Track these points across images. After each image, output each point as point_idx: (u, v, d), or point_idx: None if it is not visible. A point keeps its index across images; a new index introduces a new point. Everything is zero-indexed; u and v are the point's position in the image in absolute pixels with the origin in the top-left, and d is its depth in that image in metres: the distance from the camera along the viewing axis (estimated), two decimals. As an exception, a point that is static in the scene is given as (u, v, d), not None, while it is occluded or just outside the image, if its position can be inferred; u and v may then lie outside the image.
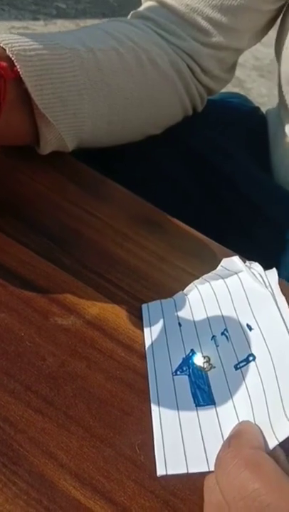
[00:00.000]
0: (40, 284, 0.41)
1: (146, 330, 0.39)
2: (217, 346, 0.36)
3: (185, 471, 0.30)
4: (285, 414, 0.28)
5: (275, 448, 0.28)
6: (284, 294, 0.35)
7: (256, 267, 0.38)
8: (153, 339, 0.39)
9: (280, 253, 0.57)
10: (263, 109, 0.77)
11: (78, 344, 0.38)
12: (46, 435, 0.33)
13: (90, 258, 0.44)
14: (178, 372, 0.36)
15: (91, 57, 0.46)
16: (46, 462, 0.32)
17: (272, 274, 0.37)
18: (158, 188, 0.56)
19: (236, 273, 0.39)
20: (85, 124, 0.47)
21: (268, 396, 0.30)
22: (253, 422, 0.30)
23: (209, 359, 0.36)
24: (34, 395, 0.35)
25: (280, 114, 0.67)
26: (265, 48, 1.95)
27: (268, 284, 0.36)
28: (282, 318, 0.33)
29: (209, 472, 0.30)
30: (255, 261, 0.39)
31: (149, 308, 0.41)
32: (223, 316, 0.37)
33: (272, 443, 0.28)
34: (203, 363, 0.36)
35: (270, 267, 0.38)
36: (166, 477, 0.31)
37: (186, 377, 0.35)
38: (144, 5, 0.59)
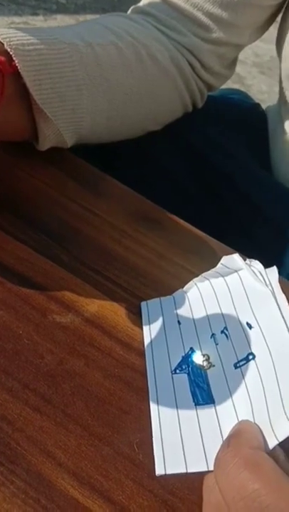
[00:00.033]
0: (38, 281, 0.40)
1: (145, 328, 0.39)
2: (217, 345, 0.36)
3: (184, 471, 0.30)
4: (285, 414, 0.28)
5: (274, 448, 0.28)
6: (284, 292, 0.34)
7: (256, 264, 0.38)
8: (152, 337, 0.38)
9: (280, 253, 0.57)
10: (263, 106, 0.77)
11: (76, 342, 0.37)
12: (44, 433, 0.33)
13: (88, 255, 0.43)
14: (177, 371, 0.36)
15: (90, 52, 0.46)
16: (44, 461, 0.32)
17: (273, 272, 0.37)
18: (157, 185, 0.56)
19: (236, 271, 0.39)
20: (84, 119, 0.47)
21: (268, 395, 0.30)
22: (252, 421, 0.30)
23: (209, 357, 0.35)
24: (32, 393, 0.34)
25: (280, 111, 0.67)
26: (265, 44, 1.95)
27: (268, 282, 0.36)
28: (283, 316, 0.33)
29: (208, 472, 0.30)
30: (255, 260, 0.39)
31: (148, 306, 0.40)
32: (222, 314, 0.37)
33: (272, 442, 0.27)
34: (203, 361, 0.35)
35: (270, 266, 0.38)
36: (165, 476, 0.31)
37: (186, 375, 0.35)
38: (144, 0, 0.58)
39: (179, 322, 0.39)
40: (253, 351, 0.33)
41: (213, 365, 0.35)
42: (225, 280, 0.39)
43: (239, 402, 0.32)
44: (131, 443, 0.33)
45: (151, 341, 0.38)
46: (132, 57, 0.50)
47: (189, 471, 0.30)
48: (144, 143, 0.57)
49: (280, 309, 0.33)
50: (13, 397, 0.34)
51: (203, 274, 0.41)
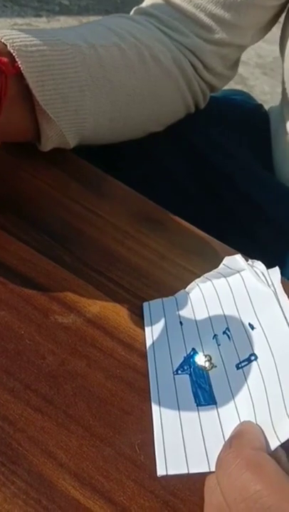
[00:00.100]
0: (40, 281, 0.40)
1: (147, 328, 0.39)
2: (219, 345, 0.36)
3: (186, 472, 0.30)
4: (287, 415, 0.28)
5: (276, 449, 0.28)
6: (287, 293, 0.34)
7: (259, 265, 0.38)
8: (154, 338, 0.38)
9: (282, 253, 0.56)
10: (266, 107, 0.77)
11: (78, 343, 0.37)
12: (45, 434, 0.33)
13: (90, 256, 0.43)
14: (179, 372, 0.35)
15: (93, 53, 0.46)
16: (45, 461, 0.32)
17: (275, 272, 0.37)
18: (159, 186, 0.56)
19: (238, 271, 0.39)
20: (87, 120, 0.47)
21: (270, 396, 0.30)
22: (254, 422, 0.30)
23: (211, 358, 0.35)
24: (34, 393, 0.34)
25: (283, 112, 0.67)
26: (268, 45, 1.95)
27: (270, 282, 0.36)
28: (285, 317, 0.32)
29: (210, 472, 0.30)
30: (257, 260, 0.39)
31: (150, 307, 0.40)
32: (225, 315, 0.37)
33: (274, 443, 0.27)
34: (205, 362, 0.35)
35: (272, 267, 0.38)
36: (166, 477, 0.31)
37: (187, 376, 0.35)
38: (147, 1, 0.58)
39: (181, 323, 0.39)
40: (255, 352, 0.33)
41: (215, 366, 0.35)
42: (227, 281, 0.39)
43: (241, 403, 0.32)
44: (132, 444, 0.33)
45: (153, 342, 0.38)
46: (134, 58, 0.50)
47: (191, 471, 0.30)
48: (146, 144, 0.57)
49: (282, 310, 0.33)
50: (14, 397, 0.34)
51: (205, 275, 0.41)
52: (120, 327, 0.39)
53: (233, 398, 0.32)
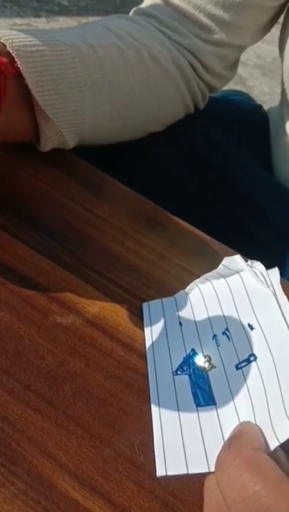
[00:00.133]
0: (40, 282, 0.40)
1: (146, 329, 0.39)
2: (218, 346, 0.36)
3: (185, 472, 0.30)
4: (286, 415, 0.28)
5: (276, 449, 0.28)
6: (286, 293, 0.34)
7: (258, 266, 0.38)
8: (153, 338, 0.38)
9: (282, 253, 0.56)
10: (265, 107, 0.77)
11: (78, 343, 0.37)
12: (45, 435, 0.33)
13: (90, 256, 0.43)
14: (178, 372, 0.35)
15: (92, 53, 0.46)
16: (45, 462, 0.32)
17: (274, 273, 0.37)
18: (159, 186, 0.56)
19: (238, 272, 0.39)
20: (86, 121, 0.47)
21: (269, 396, 0.30)
22: (253, 422, 0.30)
23: (210, 359, 0.35)
24: (33, 394, 0.34)
25: (282, 112, 0.67)
26: (267, 45, 1.95)
27: (269, 283, 0.36)
28: (284, 317, 0.32)
29: (209, 473, 0.30)
30: (256, 261, 0.39)
31: (149, 307, 0.40)
32: (224, 316, 0.37)
33: (273, 444, 0.27)
34: (204, 362, 0.35)
35: (272, 267, 0.38)
36: (165, 478, 0.31)
37: (187, 376, 0.35)
38: (146, 2, 0.58)
39: (180, 323, 0.39)
40: (255, 352, 0.33)
41: (215, 367, 0.35)
42: (226, 281, 0.39)
43: (240, 403, 0.32)
44: (132, 444, 0.33)
45: (152, 342, 0.38)
46: (133, 58, 0.50)
47: (190, 472, 0.30)
48: (146, 144, 0.57)
49: (281, 310, 0.33)
50: (14, 398, 0.34)
51: (205, 275, 0.41)
52: (120, 327, 0.39)
53: (233, 399, 0.32)
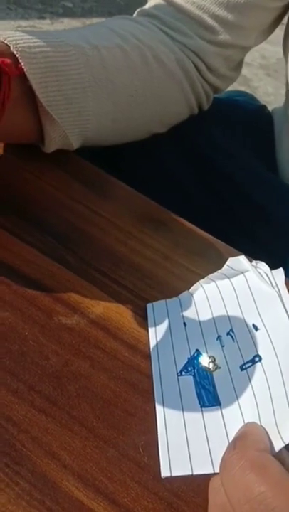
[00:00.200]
0: (44, 283, 0.40)
1: (151, 329, 0.39)
2: (223, 346, 0.36)
3: (190, 473, 0.30)
4: (291, 416, 0.28)
5: (281, 450, 0.27)
6: (290, 293, 0.34)
7: (262, 266, 0.38)
8: (158, 339, 0.38)
9: (285, 253, 0.56)
10: (270, 108, 0.76)
11: (82, 343, 0.37)
12: (49, 435, 0.33)
13: (94, 256, 0.43)
14: (183, 373, 0.35)
15: (96, 54, 0.46)
16: (49, 462, 0.32)
17: (279, 273, 0.36)
18: (162, 187, 0.56)
19: (242, 272, 0.39)
20: (90, 121, 0.47)
21: (274, 397, 0.30)
22: (258, 423, 0.30)
23: (214, 359, 0.35)
24: (37, 394, 0.34)
25: (287, 113, 0.67)
26: (272, 46, 1.95)
27: (274, 283, 0.36)
28: (289, 318, 0.32)
29: (214, 474, 0.29)
30: (261, 261, 0.39)
31: (154, 308, 0.40)
32: (228, 316, 0.37)
33: (278, 445, 0.27)
34: (209, 363, 0.35)
35: (276, 268, 0.37)
36: (170, 478, 0.31)
37: (191, 377, 0.35)
38: (150, 3, 0.58)
39: (184, 324, 0.38)
40: (259, 353, 0.33)
41: (219, 367, 0.35)
42: (231, 282, 0.39)
43: (245, 404, 0.32)
44: (136, 445, 0.33)
45: (156, 343, 0.38)
46: (137, 59, 0.50)
47: (195, 473, 0.30)
48: (149, 145, 0.57)
49: (286, 311, 0.33)
50: (18, 398, 0.34)
51: (209, 276, 0.41)
52: (124, 328, 0.39)
53: (237, 399, 0.32)
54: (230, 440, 0.30)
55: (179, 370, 0.36)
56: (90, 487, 0.31)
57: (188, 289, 0.42)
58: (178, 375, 0.35)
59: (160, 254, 0.45)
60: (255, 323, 0.35)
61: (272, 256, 0.44)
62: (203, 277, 0.42)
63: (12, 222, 0.44)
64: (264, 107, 0.76)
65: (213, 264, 0.43)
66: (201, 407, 0.33)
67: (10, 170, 0.48)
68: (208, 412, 0.33)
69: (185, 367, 0.36)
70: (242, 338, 0.35)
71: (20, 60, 0.39)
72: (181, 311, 0.39)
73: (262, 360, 0.32)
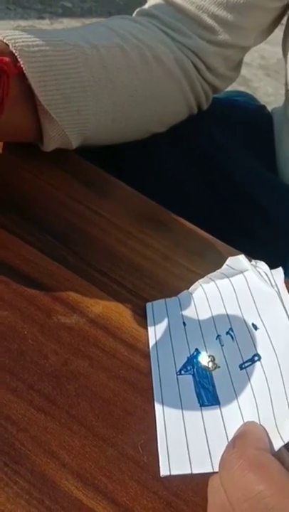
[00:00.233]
0: (43, 282, 0.40)
1: (150, 329, 0.39)
2: (222, 346, 0.36)
3: (189, 472, 0.30)
4: (291, 415, 0.28)
5: (280, 449, 0.27)
6: (290, 293, 0.34)
7: (262, 265, 0.38)
8: (157, 338, 0.38)
9: (285, 253, 0.56)
10: (269, 109, 0.76)
11: (81, 343, 0.37)
12: (48, 434, 0.33)
13: (94, 256, 0.43)
14: (182, 372, 0.35)
15: (95, 53, 0.46)
16: (48, 461, 0.32)
17: (279, 273, 0.37)
18: (162, 187, 0.56)
19: (242, 272, 0.39)
20: (89, 120, 0.47)
21: (273, 396, 0.30)
22: (258, 422, 0.30)
23: (214, 358, 0.35)
24: (36, 393, 0.34)
25: (286, 113, 0.67)
26: (271, 47, 1.95)
27: (273, 283, 0.36)
28: (288, 317, 0.32)
29: (213, 473, 0.29)
30: (260, 261, 0.39)
31: (153, 307, 0.40)
32: (228, 315, 0.37)
33: (277, 444, 0.27)
34: (208, 362, 0.35)
35: (275, 267, 0.37)
36: (169, 477, 0.31)
37: (191, 376, 0.35)
38: (150, 2, 0.58)
39: (184, 323, 0.38)
40: (259, 352, 0.33)
41: (219, 367, 0.35)
42: (230, 281, 0.39)
43: (244, 403, 0.32)
44: (135, 444, 0.33)
45: (156, 342, 0.38)
46: (136, 59, 0.50)
47: (194, 472, 0.30)
48: (149, 144, 0.57)
49: (285, 310, 0.33)
50: (17, 397, 0.34)
51: (209, 275, 0.41)
52: (123, 327, 0.39)
53: (237, 398, 0.32)
54: (230, 439, 0.30)
55: (178, 370, 0.36)
56: (89, 486, 0.31)
57: (188, 288, 0.42)
58: (177, 374, 0.35)
59: (160, 254, 0.45)
60: (255, 323, 0.35)
61: (272, 256, 0.44)
62: (203, 277, 0.42)
63: (11, 221, 0.44)
64: (264, 107, 0.76)
65: (213, 264, 0.43)
66: (201, 406, 0.33)
67: (9, 169, 0.48)
68: (208, 411, 0.33)
69: (184, 366, 0.36)
70: (241, 338, 0.35)
71: (19, 59, 0.39)
72: (181, 311, 0.39)
73: (261, 360, 0.32)
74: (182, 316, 0.39)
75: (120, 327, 0.39)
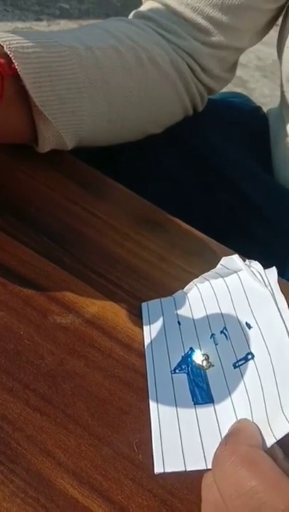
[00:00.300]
0: (39, 282, 0.41)
1: (145, 328, 0.39)
2: (216, 345, 0.36)
3: (183, 469, 0.30)
4: (283, 412, 0.28)
5: (273, 446, 0.28)
6: (283, 292, 0.34)
7: (256, 265, 0.38)
8: (152, 337, 0.38)
9: (282, 254, 0.56)
10: (266, 110, 0.77)
11: (77, 343, 0.38)
12: (44, 433, 0.33)
13: (90, 257, 0.44)
14: (177, 371, 0.36)
15: (90, 55, 0.46)
16: (44, 460, 0.32)
17: (272, 272, 0.37)
18: (158, 188, 0.56)
19: (236, 272, 0.39)
20: (84, 121, 0.47)
21: (266, 394, 0.30)
22: (251, 420, 0.30)
23: (208, 357, 0.36)
24: (32, 393, 0.34)
25: (282, 113, 0.67)
26: (268, 48, 1.95)
27: (267, 282, 0.36)
28: (281, 316, 0.33)
29: (207, 470, 0.30)
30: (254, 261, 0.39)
31: (148, 307, 0.41)
32: (222, 315, 0.37)
33: (270, 441, 0.28)
34: (202, 361, 0.35)
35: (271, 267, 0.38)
36: (163, 475, 0.31)
37: (185, 375, 0.35)
38: (145, 5, 0.59)
39: (179, 322, 0.39)
40: (252, 351, 0.33)
41: (213, 365, 0.35)
42: (225, 281, 0.39)
43: (238, 401, 0.32)
44: (130, 443, 0.33)
45: (151, 341, 0.38)
46: (132, 60, 0.50)
47: (188, 469, 0.30)
48: (145, 146, 0.57)
49: (278, 309, 0.33)
50: (13, 397, 0.34)
51: (203, 275, 0.41)
52: (119, 327, 0.39)
53: (230, 397, 0.33)
54: (223, 437, 0.30)
55: (172, 368, 0.36)
56: (85, 485, 0.31)
57: (183, 288, 0.42)
58: (172, 373, 0.36)
59: (156, 255, 0.45)
60: (248, 322, 0.35)
61: (269, 256, 0.44)
62: (198, 277, 0.42)
63: (7, 222, 0.44)
64: (259, 108, 0.77)
65: (209, 264, 0.43)
66: (195, 404, 0.33)
67: (4, 170, 0.48)
68: (202, 409, 0.33)
69: (179, 365, 0.36)
70: (235, 336, 0.35)
71: (13, 60, 0.40)
72: (176, 310, 0.40)
73: (254, 358, 0.33)
74: (177, 315, 0.39)
75: (116, 327, 0.39)
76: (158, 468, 0.31)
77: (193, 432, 0.32)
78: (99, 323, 0.39)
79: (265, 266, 0.38)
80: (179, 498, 0.31)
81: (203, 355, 0.36)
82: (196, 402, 0.33)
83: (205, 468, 0.30)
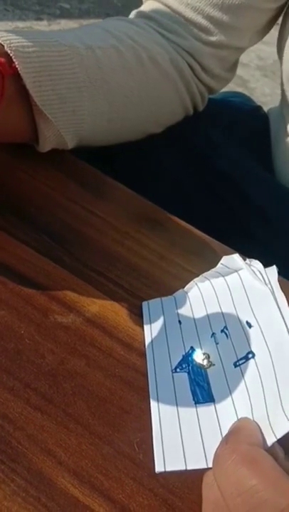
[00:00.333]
0: (40, 281, 0.41)
1: (146, 327, 0.39)
2: (217, 344, 0.36)
3: (183, 468, 0.30)
4: (284, 412, 0.28)
5: (273, 445, 0.28)
6: (284, 291, 0.34)
7: (256, 264, 0.38)
8: (153, 336, 0.38)
9: (283, 253, 0.56)
10: (266, 109, 0.77)
11: (78, 342, 0.38)
12: (45, 432, 0.33)
13: (90, 256, 0.44)
14: (177, 370, 0.36)
15: (90, 54, 0.46)
16: (45, 459, 0.32)
17: (272, 271, 0.37)
18: (158, 187, 0.56)
19: (236, 271, 0.39)
20: (85, 121, 0.47)
21: (267, 393, 0.30)
22: (251, 418, 0.30)
23: (209, 356, 0.36)
24: (33, 392, 0.34)
25: (283, 113, 0.67)
26: (268, 47, 1.95)
27: (267, 281, 0.36)
28: (282, 315, 0.33)
29: (208, 469, 0.30)
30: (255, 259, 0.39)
31: (149, 306, 0.41)
32: (223, 314, 0.37)
33: (270, 440, 0.28)
34: (203, 360, 0.35)
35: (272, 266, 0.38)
36: (164, 474, 0.31)
37: (186, 374, 0.35)
38: (146, 4, 0.59)
39: (179, 321, 0.39)
40: (253, 350, 0.33)
41: (213, 364, 0.35)
42: (225, 280, 0.39)
43: (238, 400, 0.32)
44: (131, 442, 0.33)
45: (152, 340, 0.38)
46: (132, 60, 0.50)
47: (189, 468, 0.30)
48: (145, 145, 0.57)
49: (279, 308, 0.33)
50: (14, 396, 0.34)
51: (204, 274, 0.41)
52: (119, 326, 0.39)
53: (231, 396, 0.33)
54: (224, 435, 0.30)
55: (173, 367, 0.36)
56: (86, 484, 0.31)
57: (184, 287, 0.42)
58: (172, 372, 0.36)
59: (156, 253, 0.45)
60: (249, 321, 0.35)
61: (270, 255, 0.44)
62: (198, 276, 0.42)
63: (7, 221, 0.44)
64: (260, 107, 0.77)
65: (209, 263, 0.43)
66: (195, 403, 0.33)
67: (4, 170, 0.48)
68: (202, 408, 0.33)
69: (180, 364, 0.36)
70: (236, 335, 0.35)
71: (14, 59, 0.40)
72: (176, 309, 0.40)
73: (255, 357, 0.33)
74: (178, 314, 0.39)
75: (117, 326, 0.39)
76: (159, 468, 0.31)
77: (194, 431, 0.32)
78: (99, 323, 0.39)
79: (266, 266, 0.38)
80: (179, 497, 0.31)
81: (204, 354, 0.36)
82: (197, 401, 0.33)
83: (206, 467, 0.30)
